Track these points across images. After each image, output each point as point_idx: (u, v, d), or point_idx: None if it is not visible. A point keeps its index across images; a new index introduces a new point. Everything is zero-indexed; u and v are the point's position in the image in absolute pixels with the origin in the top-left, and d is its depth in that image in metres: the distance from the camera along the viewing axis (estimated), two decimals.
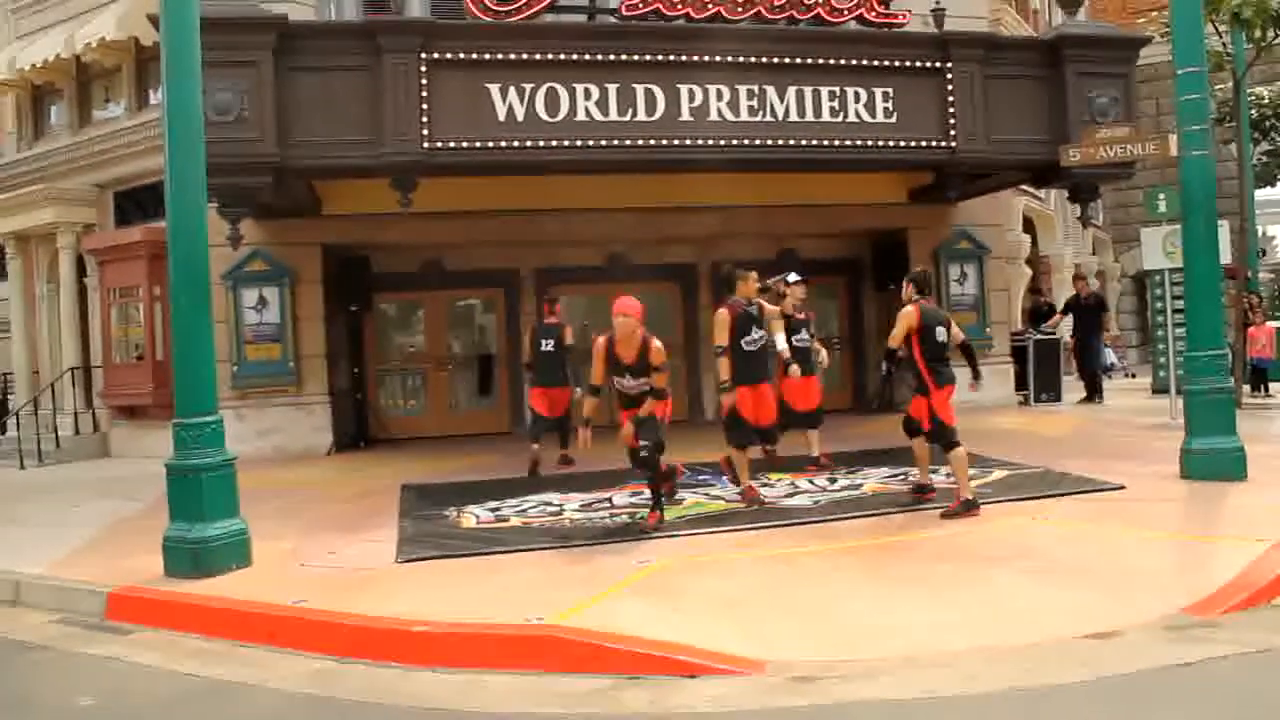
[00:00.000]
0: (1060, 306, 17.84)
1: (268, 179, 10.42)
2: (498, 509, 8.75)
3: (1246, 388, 15.30)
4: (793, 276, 10.38)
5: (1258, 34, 14.14)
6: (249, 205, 11.32)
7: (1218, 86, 16.77)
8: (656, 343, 7.63)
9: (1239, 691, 4.45)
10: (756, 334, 8.39)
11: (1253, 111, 18.05)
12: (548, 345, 11.15)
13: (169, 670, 5.41)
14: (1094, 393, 16.26)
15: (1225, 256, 11.29)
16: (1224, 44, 14.90)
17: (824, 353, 10.42)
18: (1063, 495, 8.35)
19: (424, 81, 10.41)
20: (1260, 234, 24.36)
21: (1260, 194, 22.05)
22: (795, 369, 9.67)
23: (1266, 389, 16.34)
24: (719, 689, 4.64)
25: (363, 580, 6.54)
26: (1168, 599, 5.45)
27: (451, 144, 10.51)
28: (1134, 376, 22.48)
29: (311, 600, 6.04)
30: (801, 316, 10.15)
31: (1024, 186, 16.92)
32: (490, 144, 10.60)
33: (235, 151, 9.90)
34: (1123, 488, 8.45)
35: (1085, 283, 18.29)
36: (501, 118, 10.59)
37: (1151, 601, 5.42)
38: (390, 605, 5.85)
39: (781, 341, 9.47)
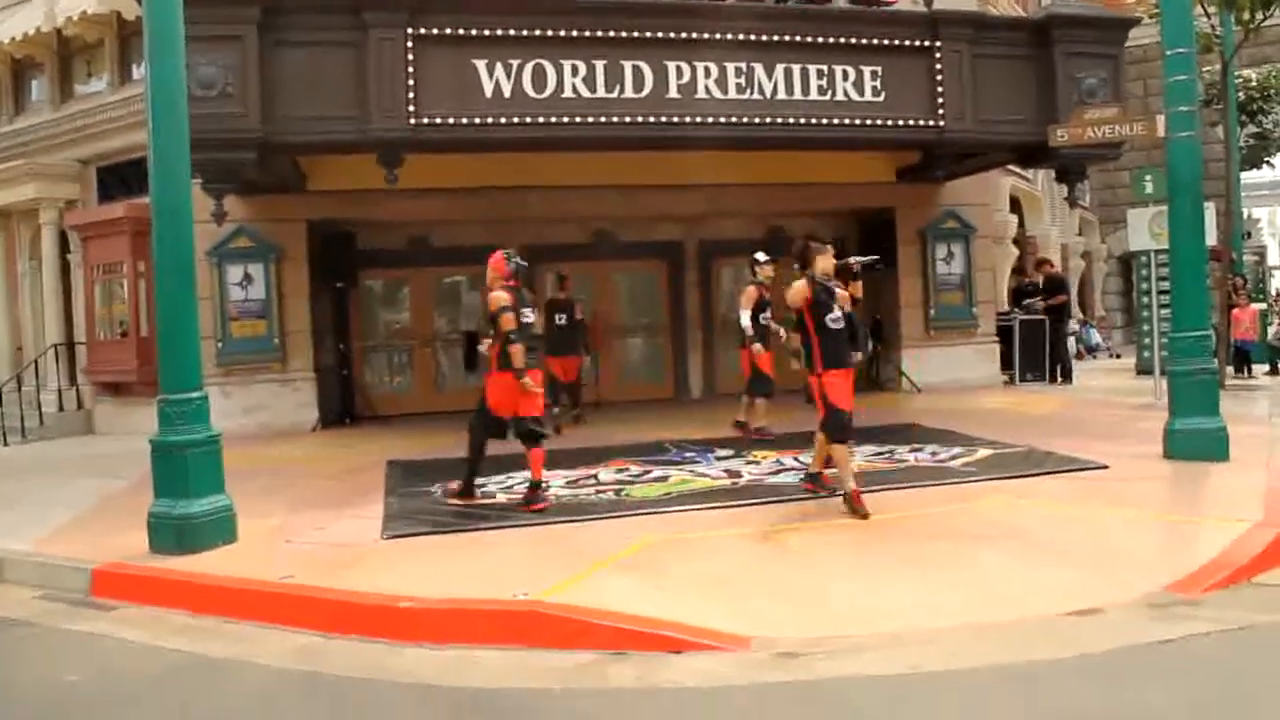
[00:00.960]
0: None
1: (252, 155, 10.35)
2: (484, 485, 8.74)
3: (1230, 369, 15.40)
4: (762, 256, 10.96)
5: (1246, 16, 14.15)
6: (233, 181, 11.27)
7: (1205, 69, 16.79)
8: (495, 293, 7.86)
9: (1219, 668, 4.50)
10: (838, 313, 7.37)
11: (1240, 94, 18.09)
12: (561, 319, 12.44)
13: (155, 646, 5.40)
14: (1058, 375, 16.28)
15: (1210, 238, 11.34)
16: (1212, 26, 14.91)
17: (783, 331, 10.56)
18: (1047, 474, 8.39)
19: (410, 57, 10.34)
20: (1245, 216, 24.47)
21: (1245, 176, 22.14)
22: (758, 346, 10.66)
23: (1250, 370, 16.44)
24: (705, 664, 4.66)
25: (349, 556, 6.54)
26: (1150, 577, 5.49)
27: (438, 120, 10.45)
28: (1119, 357, 22.59)
29: (298, 576, 6.03)
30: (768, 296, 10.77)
31: (1011, 167, 16.94)
32: (477, 120, 10.55)
33: (219, 127, 9.82)
34: (1106, 467, 8.49)
35: (1050, 265, 18.36)
36: (488, 94, 10.54)
37: (1134, 580, 5.47)
38: (377, 581, 5.85)
39: (746, 319, 10.52)
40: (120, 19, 14.65)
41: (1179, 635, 4.77)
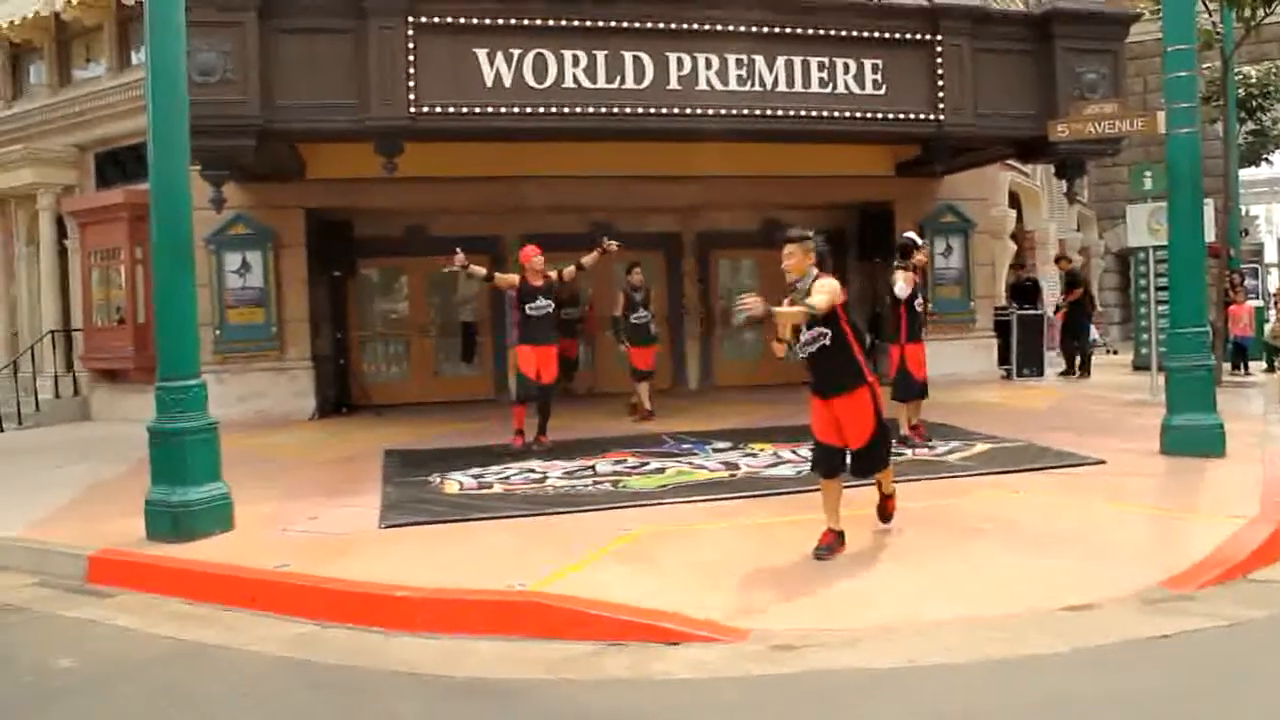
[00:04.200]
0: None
1: (251, 142, 10.31)
2: (481, 475, 8.75)
3: (1227, 365, 15.42)
4: (917, 239, 9.97)
5: (1247, 13, 14.14)
6: (232, 168, 11.23)
7: (1206, 65, 16.78)
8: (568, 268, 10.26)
9: (1212, 662, 4.52)
10: (805, 335, 5.98)
11: (1240, 91, 18.08)
12: (569, 314, 13.96)
13: (149, 633, 5.40)
14: (1076, 367, 16.44)
15: (1209, 234, 11.34)
16: (1213, 22, 14.90)
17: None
18: (1044, 469, 8.40)
19: (410, 45, 10.30)
20: (1243, 214, 24.49)
21: (1244, 173, 22.14)
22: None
23: (1246, 367, 16.46)
24: (700, 656, 4.67)
25: (345, 545, 6.54)
26: (1145, 573, 5.50)
27: (437, 109, 10.41)
28: (1115, 353, 22.61)
29: (294, 564, 6.04)
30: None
31: (1010, 161, 16.92)
32: (476, 109, 10.51)
33: (219, 113, 9.79)
34: (1103, 462, 8.51)
35: (1069, 261, 18.55)
36: (488, 83, 10.50)
37: (1129, 575, 5.47)
38: (373, 570, 5.86)
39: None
40: (119, 3, 14.59)
41: (1173, 630, 4.78)
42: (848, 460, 6.22)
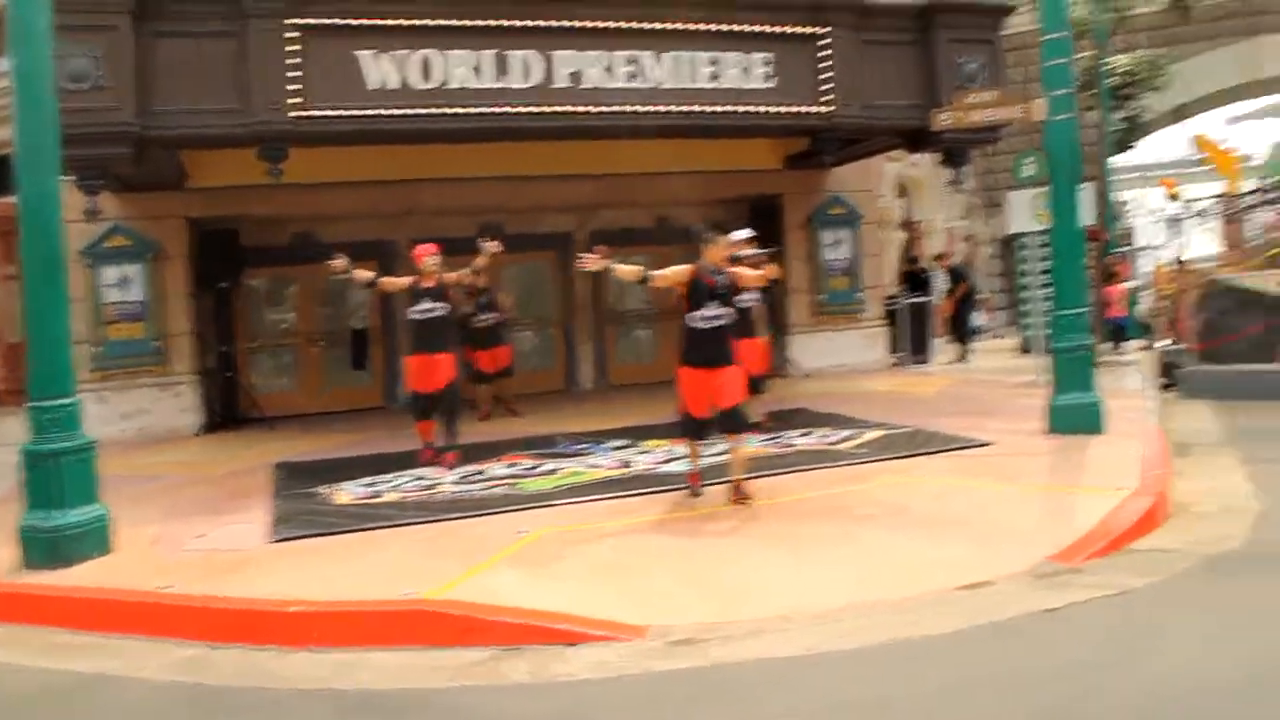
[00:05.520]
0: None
1: (127, 149, 9.95)
2: (373, 484, 8.57)
3: (1109, 345, 15.92)
4: (745, 234, 9.83)
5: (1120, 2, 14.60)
6: (108, 177, 10.85)
7: (1081, 55, 17.32)
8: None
9: (1101, 631, 4.65)
10: (713, 311, 7.06)
11: (1113, 80, 18.68)
12: (484, 319, 12.81)
13: (28, 667, 5.14)
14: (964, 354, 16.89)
15: (1089, 219, 11.68)
16: (1088, 13, 15.36)
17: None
18: (934, 453, 8.57)
19: (292, 48, 10.07)
20: (1116, 199, 25.29)
21: (1115, 160, 22.86)
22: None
23: (1123, 345, 17.02)
24: (600, 655, 4.64)
25: (235, 562, 6.34)
26: (1034, 549, 5.65)
27: (322, 113, 10.19)
28: (1003, 338, 23.19)
29: (181, 585, 5.83)
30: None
31: (898, 152, 17.24)
32: (362, 112, 10.33)
33: (92, 121, 9.39)
34: (991, 444, 8.71)
35: (948, 256, 19.23)
36: (373, 85, 10.32)
37: (1020, 552, 5.61)
38: (264, 586, 5.70)
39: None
40: None
41: (1062, 603, 4.92)
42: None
